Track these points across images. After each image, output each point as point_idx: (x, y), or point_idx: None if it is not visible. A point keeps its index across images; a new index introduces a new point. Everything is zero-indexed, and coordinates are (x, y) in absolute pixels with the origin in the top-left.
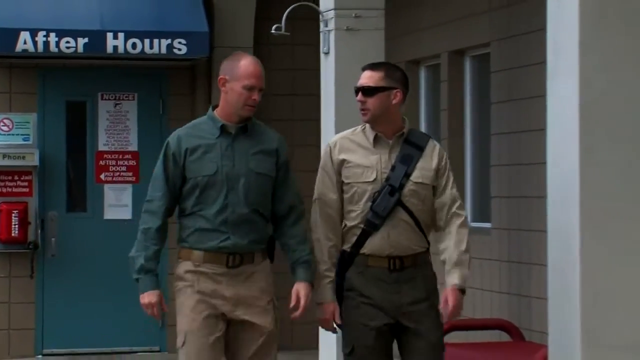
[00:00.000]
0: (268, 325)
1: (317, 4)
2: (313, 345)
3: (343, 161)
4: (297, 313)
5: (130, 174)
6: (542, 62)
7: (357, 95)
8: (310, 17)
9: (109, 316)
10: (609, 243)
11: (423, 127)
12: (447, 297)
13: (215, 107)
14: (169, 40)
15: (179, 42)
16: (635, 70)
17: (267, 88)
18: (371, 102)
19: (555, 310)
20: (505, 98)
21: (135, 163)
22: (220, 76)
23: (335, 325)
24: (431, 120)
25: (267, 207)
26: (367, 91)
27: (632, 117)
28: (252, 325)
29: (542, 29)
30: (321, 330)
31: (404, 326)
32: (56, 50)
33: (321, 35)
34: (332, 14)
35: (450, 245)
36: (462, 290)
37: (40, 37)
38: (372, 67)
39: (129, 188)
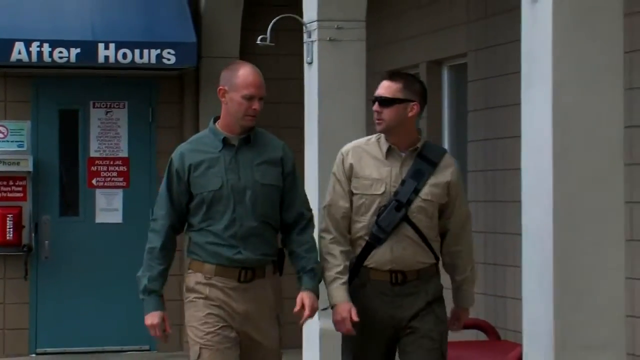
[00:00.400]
0: (272, 344)
1: (301, 15)
2: (297, 344)
3: (354, 170)
4: (301, 322)
5: (121, 179)
6: (517, 72)
7: (373, 104)
8: (294, 29)
9: (100, 316)
10: (581, 245)
11: None
12: (459, 317)
13: (216, 118)
14: (158, 51)
15: (168, 52)
16: (606, 79)
17: None
18: (387, 112)
19: (529, 310)
20: (481, 106)
21: (125, 169)
22: (220, 87)
23: (352, 325)
24: None
25: (276, 218)
26: (384, 101)
27: (602, 124)
28: (257, 343)
29: (517, 40)
30: (305, 330)
31: (404, 334)
32: (49, 60)
33: (305, 45)
34: (315, 25)
35: (460, 265)
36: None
37: (34, 48)
38: (391, 77)
39: (119, 193)
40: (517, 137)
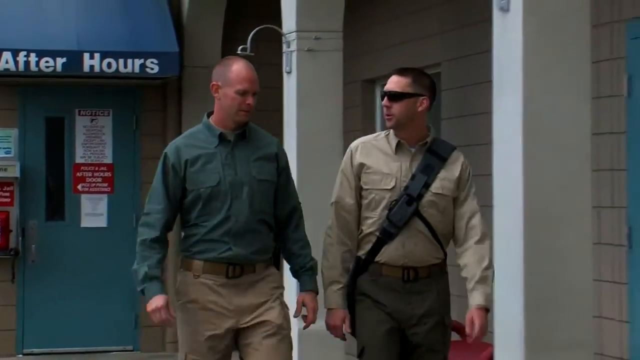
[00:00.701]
0: (279, 319)
1: (280, 26)
2: None
3: (363, 166)
4: (304, 327)
5: (106, 184)
6: (489, 81)
7: (382, 99)
8: (273, 39)
9: (85, 317)
10: (550, 248)
11: None
12: (472, 319)
13: (210, 114)
14: (142, 60)
15: (151, 62)
16: (574, 88)
17: None
18: (396, 107)
19: (500, 311)
20: (454, 114)
21: (110, 174)
22: (213, 82)
23: (344, 333)
24: None
25: (272, 214)
26: (393, 96)
27: (571, 132)
28: (259, 323)
29: (488, 51)
30: None
31: (409, 339)
32: (36, 69)
33: (284, 55)
34: (294, 36)
35: (471, 262)
36: (486, 309)
37: (21, 57)
38: (400, 72)
39: (104, 198)
40: (488, 144)
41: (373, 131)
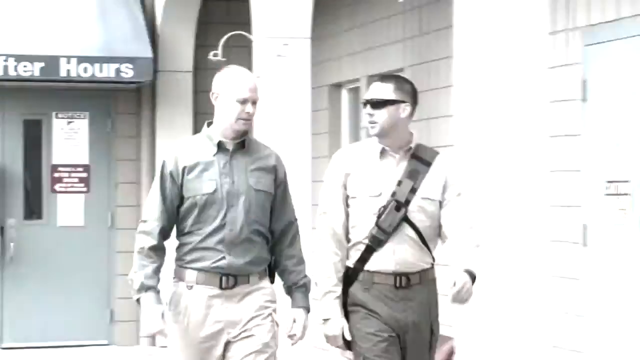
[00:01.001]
0: (263, 337)
1: (251, 33)
2: None
3: (348, 175)
4: (293, 343)
5: (82, 184)
6: (449, 86)
7: (364, 107)
8: (244, 45)
9: (62, 313)
10: (508, 245)
11: (346, 144)
12: (454, 279)
13: (210, 123)
14: (117, 65)
15: (126, 67)
16: (532, 93)
17: (205, 109)
18: (380, 115)
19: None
20: (416, 117)
21: (86, 175)
22: (213, 91)
23: (343, 342)
24: (352, 137)
25: (267, 225)
26: (376, 104)
27: (528, 134)
28: (247, 337)
29: (449, 57)
30: None
31: (400, 345)
32: (15, 73)
33: (254, 61)
34: (263, 42)
35: (457, 242)
36: (471, 276)
37: (0, 62)
38: (382, 79)
39: (81, 197)
40: (450, 146)
41: (339, 134)
